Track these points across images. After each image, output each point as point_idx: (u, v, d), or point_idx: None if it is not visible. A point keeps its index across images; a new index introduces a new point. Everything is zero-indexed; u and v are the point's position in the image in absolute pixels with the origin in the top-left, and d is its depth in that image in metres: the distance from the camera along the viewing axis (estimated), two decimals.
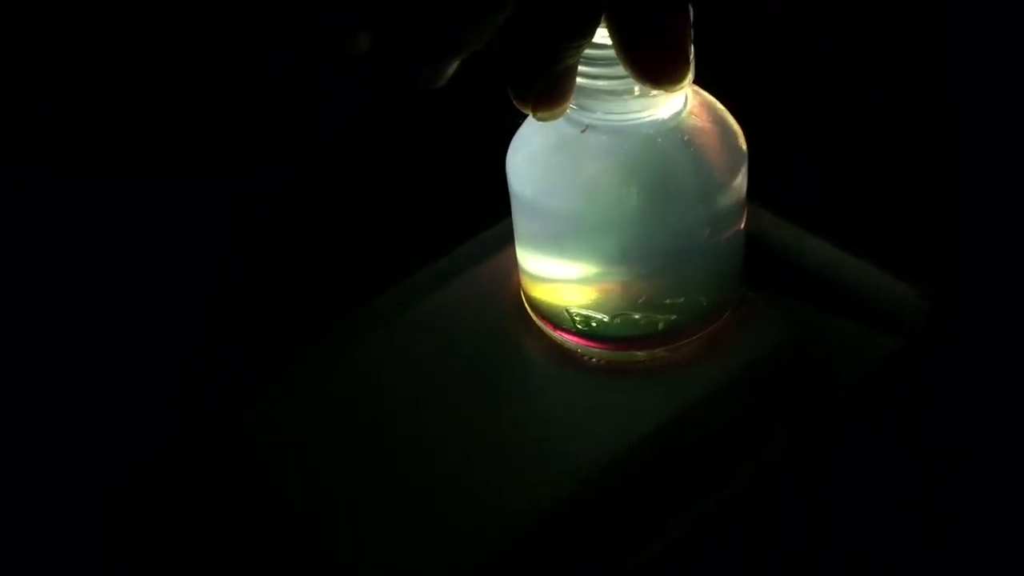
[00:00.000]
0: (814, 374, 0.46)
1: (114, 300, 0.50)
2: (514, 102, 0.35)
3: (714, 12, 0.40)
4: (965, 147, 0.52)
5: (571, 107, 0.39)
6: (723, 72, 0.42)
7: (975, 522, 0.44)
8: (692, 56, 0.38)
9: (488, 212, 0.49)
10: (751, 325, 0.45)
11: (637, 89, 0.39)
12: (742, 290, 0.46)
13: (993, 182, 0.51)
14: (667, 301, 0.43)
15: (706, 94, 0.42)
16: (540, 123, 0.40)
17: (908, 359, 0.46)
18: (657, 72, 0.34)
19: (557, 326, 0.45)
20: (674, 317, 0.43)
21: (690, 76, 0.39)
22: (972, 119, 0.52)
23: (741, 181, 0.42)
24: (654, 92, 0.39)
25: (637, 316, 0.43)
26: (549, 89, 0.35)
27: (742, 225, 0.44)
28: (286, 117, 0.56)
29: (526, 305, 0.46)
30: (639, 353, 0.44)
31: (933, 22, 0.53)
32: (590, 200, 0.41)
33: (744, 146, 0.42)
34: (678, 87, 0.35)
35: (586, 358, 0.44)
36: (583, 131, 0.40)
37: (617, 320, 0.43)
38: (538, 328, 0.46)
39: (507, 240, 0.47)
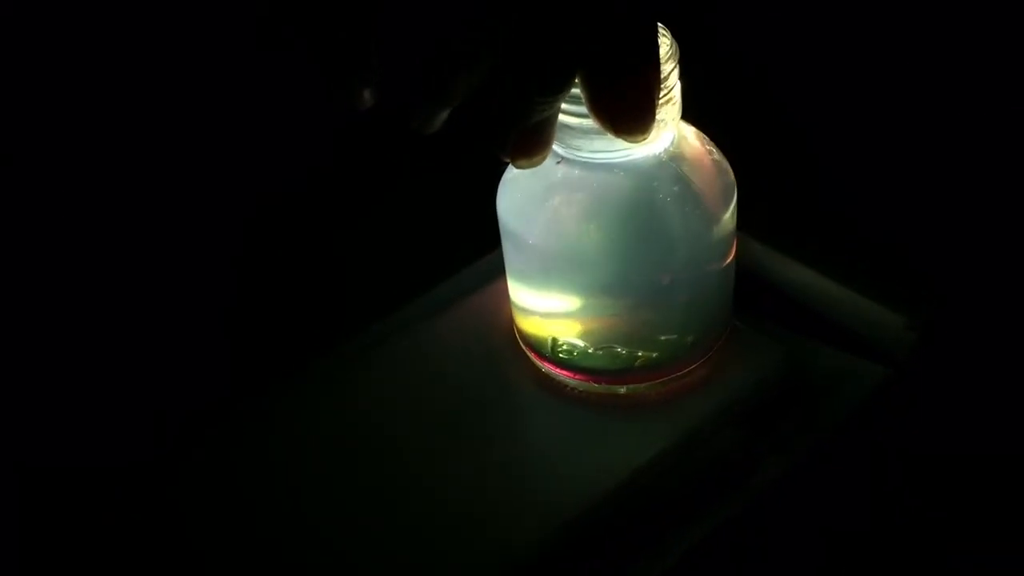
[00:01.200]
0: (802, 404, 0.46)
1: (97, 312, 0.51)
2: (494, 151, 0.36)
3: (699, 49, 0.40)
4: (954, 177, 0.52)
5: (558, 145, 0.40)
6: (710, 106, 0.42)
7: (968, 549, 0.43)
8: (676, 96, 0.38)
9: (483, 241, 0.49)
10: (739, 356, 0.45)
11: None
12: (730, 325, 0.46)
13: (980, 212, 0.51)
14: (659, 337, 0.43)
15: (694, 129, 0.42)
16: None
17: (896, 388, 0.46)
18: (621, 123, 0.35)
19: (542, 355, 0.45)
20: (655, 355, 0.43)
21: (676, 115, 0.40)
22: (960, 149, 0.52)
23: (731, 215, 0.42)
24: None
25: (620, 349, 0.43)
26: (526, 140, 0.35)
27: (731, 258, 0.44)
28: (273, 141, 0.56)
29: (518, 338, 0.47)
30: (620, 388, 0.44)
31: (918, 51, 0.53)
32: (577, 237, 0.41)
33: (733, 180, 0.42)
34: (642, 137, 0.35)
35: (568, 388, 0.45)
36: (558, 163, 0.40)
37: (600, 352, 0.43)
38: (528, 360, 0.46)
39: (502, 269, 0.47)
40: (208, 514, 0.43)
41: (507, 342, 0.47)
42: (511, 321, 0.47)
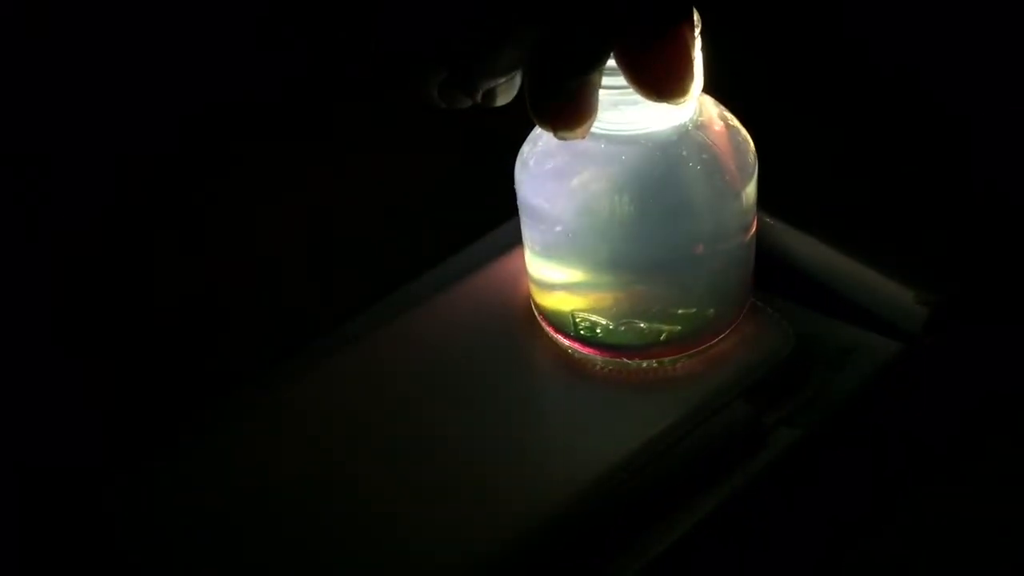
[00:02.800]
0: (813, 379, 0.46)
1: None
2: (534, 119, 0.35)
3: (723, 20, 0.40)
4: (971, 154, 0.52)
5: None
6: (733, 80, 0.42)
7: (974, 526, 0.44)
8: (698, 67, 0.37)
9: (499, 210, 0.49)
10: (750, 330, 0.45)
11: (643, 99, 0.38)
12: (750, 300, 0.46)
13: (996, 189, 0.51)
14: (679, 311, 0.43)
15: (716, 102, 0.42)
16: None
17: (907, 364, 0.46)
18: (663, 87, 0.35)
19: (562, 331, 0.45)
20: (679, 328, 0.43)
21: (699, 86, 0.39)
22: (978, 126, 0.52)
23: (751, 190, 0.42)
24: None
25: (642, 325, 0.43)
26: (568, 110, 0.35)
27: (751, 234, 0.44)
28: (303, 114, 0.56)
29: (535, 310, 0.46)
30: (642, 362, 0.44)
31: (940, 29, 0.54)
32: (597, 210, 0.41)
33: (754, 155, 0.42)
34: (683, 100, 0.35)
35: (589, 365, 0.45)
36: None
37: (622, 327, 0.43)
38: (544, 333, 0.46)
39: (518, 239, 0.47)
40: (215, 503, 0.43)
41: (523, 315, 0.47)
42: (527, 294, 0.47)
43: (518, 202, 0.44)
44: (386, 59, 0.35)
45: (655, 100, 0.35)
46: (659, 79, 0.34)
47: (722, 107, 0.42)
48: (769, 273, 0.48)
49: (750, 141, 0.42)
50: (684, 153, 0.40)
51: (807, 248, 0.50)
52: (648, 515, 0.42)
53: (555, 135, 0.35)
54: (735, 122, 0.42)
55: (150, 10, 0.53)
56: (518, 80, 0.35)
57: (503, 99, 0.36)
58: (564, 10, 0.32)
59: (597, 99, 0.35)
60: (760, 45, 0.56)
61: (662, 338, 0.43)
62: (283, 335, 0.49)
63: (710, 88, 0.41)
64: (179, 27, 0.54)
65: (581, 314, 0.43)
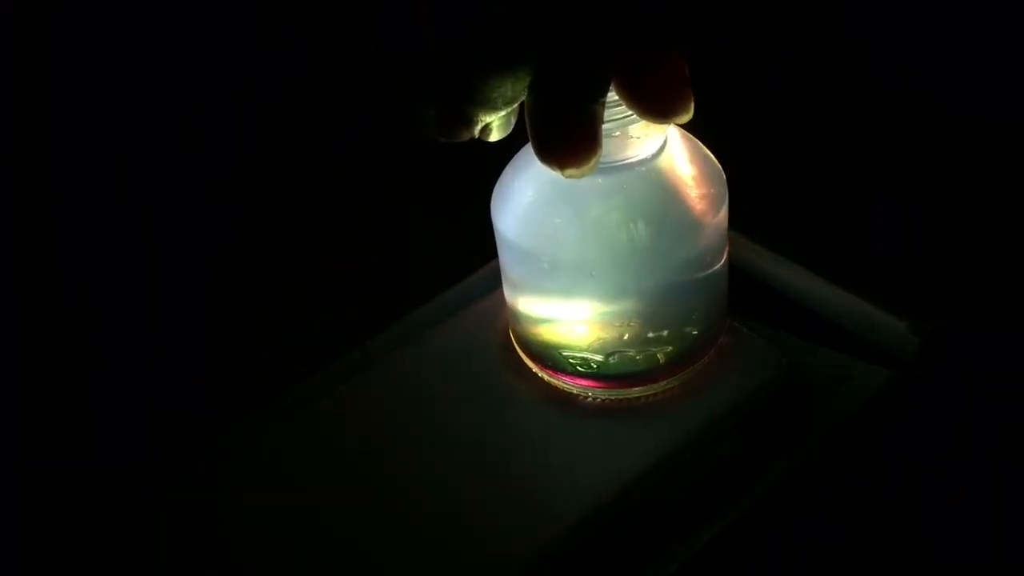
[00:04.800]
0: (808, 409, 0.46)
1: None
2: (541, 160, 0.35)
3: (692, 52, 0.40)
4: (957, 182, 0.52)
5: None
6: (706, 110, 0.41)
7: (969, 551, 0.43)
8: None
9: (470, 259, 0.50)
10: (743, 360, 0.45)
11: (617, 131, 0.39)
12: (728, 320, 0.46)
13: (985, 218, 0.51)
14: (662, 334, 0.43)
15: (685, 132, 0.43)
16: (523, 166, 0.42)
17: (900, 393, 0.46)
18: (663, 106, 0.35)
19: (553, 368, 0.45)
20: (670, 349, 0.43)
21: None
22: (963, 151, 0.52)
23: (722, 216, 0.42)
24: (636, 134, 0.39)
25: (633, 352, 0.43)
26: (574, 142, 0.35)
27: (725, 256, 0.44)
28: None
29: (518, 349, 0.46)
30: (636, 389, 0.44)
31: (934, 37, 0.52)
32: (572, 241, 0.41)
33: (724, 182, 0.42)
34: (686, 117, 0.35)
35: (581, 398, 0.45)
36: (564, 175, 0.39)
37: (613, 359, 0.43)
38: (528, 369, 0.46)
39: (495, 283, 0.47)
40: (206, 521, 0.43)
41: (505, 353, 0.47)
42: (507, 333, 0.47)
43: (497, 238, 0.44)
44: (382, 89, 0.35)
45: (660, 120, 0.35)
46: (660, 100, 0.35)
47: (691, 136, 0.43)
48: (763, 303, 0.49)
49: (719, 169, 0.43)
50: (653, 183, 0.41)
51: (800, 278, 0.50)
52: (642, 547, 0.42)
53: (563, 174, 0.35)
54: (704, 150, 0.43)
55: (150, 10, 0.52)
56: (514, 117, 0.36)
57: (499, 134, 0.36)
58: (562, 37, 0.33)
59: (601, 133, 0.35)
60: (735, 77, 0.55)
61: (660, 360, 0.43)
62: (259, 379, 0.49)
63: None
64: (179, 27, 0.54)
65: (567, 353, 0.44)
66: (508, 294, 0.45)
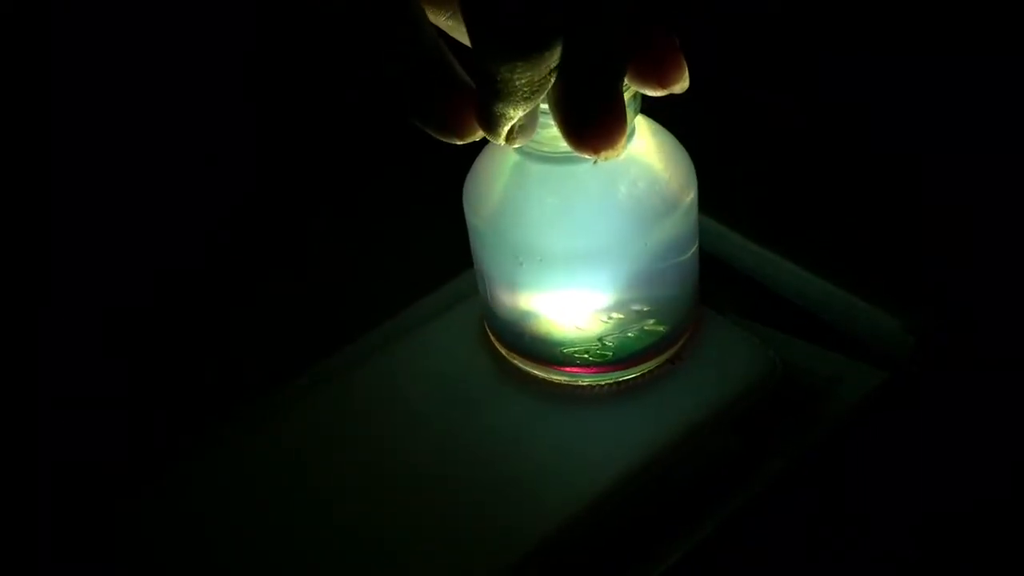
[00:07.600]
0: (802, 407, 0.46)
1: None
2: (575, 147, 0.35)
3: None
4: (951, 179, 0.52)
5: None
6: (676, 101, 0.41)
7: (963, 553, 0.42)
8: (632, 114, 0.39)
9: (441, 268, 0.50)
10: (736, 359, 0.45)
11: None
12: (725, 318, 0.47)
13: (980, 215, 0.51)
14: (643, 308, 0.43)
15: (652, 122, 0.43)
16: (493, 156, 0.42)
17: (895, 392, 0.46)
18: (666, 74, 0.35)
19: (547, 362, 0.44)
20: (662, 329, 0.44)
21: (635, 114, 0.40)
22: (958, 147, 0.53)
23: (692, 200, 0.43)
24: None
25: (631, 334, 0.43)
26: (605, 121, 0.34)
27: (695, 245, 0.44)
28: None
29: (501, 348, 0.46)
30: (632, 370, 0.44)
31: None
32: (543, 228, 0.41)
33: (692, 169, 0.43)
34: (615, 154, 0.35)
35: (573, 394, 0.45)
36: (594, 163, 0.38)
37: (609, 341, 0.43)
38: (517, 368, 0.46)
39: (472, 289, 0.47)
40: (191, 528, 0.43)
41: (493, 352, 0.46)
42: (486, 337, 0.47)
43: (470, 232, 0.44)
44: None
45: (659, 91, 0.36)
46: (662, 68, 0.35)
47: (658, 125, 0.43)
48: (756, 302, 0.49)
49: (687, 157, 0.43)
50: (621, 172, 0.41)
51: (794, 277, 0.50)
52: (634, 546, 0.42)
53: (597, 158, 0.35)
54: (671, 139, 0.43)
55: (150, 10, 0.53)
56: (536, 119, 0.36)
57: (523, 138, 0.36)
58: (589, 18, 0.33)
59: (627, 110, 0.35)
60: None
61: (663, 332, 0.43)
62: (234, 392, 0.49)
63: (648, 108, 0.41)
64: (179, 27, 0.54)
65: (568, 349, 0.44)
66: (483, 289, 0.45)
